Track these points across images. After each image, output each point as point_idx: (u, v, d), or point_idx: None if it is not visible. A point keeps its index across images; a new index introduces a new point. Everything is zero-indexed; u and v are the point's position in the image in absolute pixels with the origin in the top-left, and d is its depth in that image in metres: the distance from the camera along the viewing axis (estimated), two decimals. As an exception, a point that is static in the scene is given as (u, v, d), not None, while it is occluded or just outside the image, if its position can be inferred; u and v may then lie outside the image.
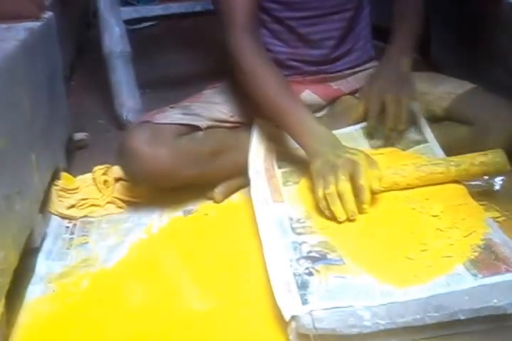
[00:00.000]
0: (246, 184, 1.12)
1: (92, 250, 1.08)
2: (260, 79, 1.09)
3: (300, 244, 0.93)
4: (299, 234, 0.95)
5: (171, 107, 1.18)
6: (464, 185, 1.06)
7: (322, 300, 0.81)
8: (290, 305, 0.81)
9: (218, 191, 1.18)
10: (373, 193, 0.96)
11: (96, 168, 1.23)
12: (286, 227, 0.97)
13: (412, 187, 1.04)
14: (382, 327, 0.79)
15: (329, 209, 0.95)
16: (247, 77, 1.11)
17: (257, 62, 1.11)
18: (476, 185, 1.16)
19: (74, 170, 1.36)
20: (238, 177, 1.18)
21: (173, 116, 1.14)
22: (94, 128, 1.63)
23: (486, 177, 1.17)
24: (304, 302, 0.81)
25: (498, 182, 1.19)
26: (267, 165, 1.14)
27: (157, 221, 1.15)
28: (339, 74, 1.29)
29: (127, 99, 1.55)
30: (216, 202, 1.19)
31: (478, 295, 0.82)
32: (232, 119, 1.20)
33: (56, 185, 1.20)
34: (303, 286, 0.84)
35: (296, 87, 1.23)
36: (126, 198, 1.20)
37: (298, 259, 0.90)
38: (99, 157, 1.38)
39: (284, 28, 1.23)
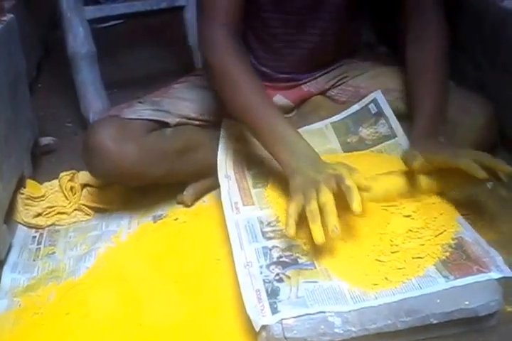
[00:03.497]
0: (216, 185, 1.09)
1: (59, 260, 1.06)
2: (230, 80, 1.00)
3: (270, 249, 0.91)
4: (270, 238, 0.93)
5: (140, 102, 1.14)
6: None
7: (292, 307, 0.80)
8: (260, 314, 0.80)
9: (188, 193, 1.16)
10: (364, 191, 0.88)
11: (62, 174, 1.20)
12: (256, 232, 0.95)
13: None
14: (354, 335, 0.79)
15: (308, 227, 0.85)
16: (216, 76, 1.04)
17: (230, 61, 1.02)
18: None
19: (40, 176, 1.33)
20: (208, 177, 1.15)
21: (141, 111, 1.11)
22: (62, 132, 1.59)
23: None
24: (274, 311, 0.80)
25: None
26: (236, 167, 1.11)
27: (126, 228, 1.12)
28: (311, 78, 1.26)
29: (94, 100, 1.52)
30: (186, 205, 1.16)
31: (450, 298, 0.81)
32: (201, 117, 1.18)
33: (21, 193, 1.17)
34: (273, 294, 0.83)
35: (267, 92, 1.19)
36: (93, 205, 1.18)
37: (268, 265, 0.88)
38: (67, 162, 1.36)
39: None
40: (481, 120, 1.10)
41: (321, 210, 0.83)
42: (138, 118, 1.08)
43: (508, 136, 1.22)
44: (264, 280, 0.85)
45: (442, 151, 0.94)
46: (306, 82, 1.26)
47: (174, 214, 1.15)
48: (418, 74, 1.11)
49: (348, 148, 1.18)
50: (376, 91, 1.20)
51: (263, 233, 0.95)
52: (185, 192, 1.16)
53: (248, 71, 1.02)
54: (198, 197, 1.18)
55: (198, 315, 0.89)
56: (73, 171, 1.22)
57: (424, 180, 0.97)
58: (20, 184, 1.20)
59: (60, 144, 1.50)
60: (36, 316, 0.92)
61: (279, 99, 1.25)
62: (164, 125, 1.11)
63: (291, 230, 0.83)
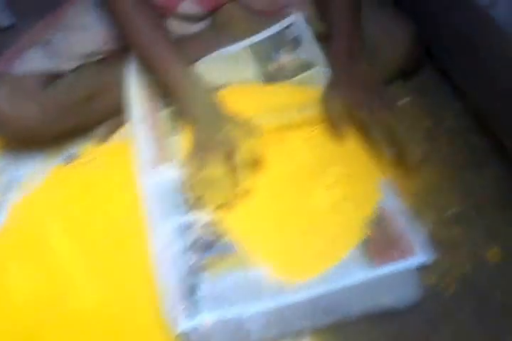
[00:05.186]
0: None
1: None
2: (132, 26, 0.94)
3: (188, 227, 0.87)
4: (188, 210, 0.88)
5: (30, 46, 1.00)
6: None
7: (212, 309, 0.79)
8: (178, 318, 0.78)
9: (100, 132, 1.08)
10: (258, 162, 0.89)
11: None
12: (173, 201, 0.89)
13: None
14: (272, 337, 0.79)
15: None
16: (119, 21, 0.96)
17: (130, 6, 0.93)
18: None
19: None
20: (121, 114, 1.05)
21: (33, 60, 0.98)
22: None
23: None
24: (192, 314, 0.78)
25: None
26: (149, 105, 1.01)
27: (38, 171, 1.05)
28: None
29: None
30: (100, 141, 1.08)
31: (369, 293, 0.82)
32: (105, 48, 1.03)
33: None
34: (192, 291, 0.81)
35: None
36: (-1, 144, 1.07)
37: (186, 249, 0.85)
38: None
39: None
40: (404, 44, 1.04)
41: (215, 181, 0.85)
42: (30, 72, 0.96)
43: (434, 53, 1.16)
44: (182, 272, 0.83)
45: (361, 109, 0.90)
46: None
47: (87, 153, 1.07)
48: None
49: (267, 77, 1.07)
50: (297, 13, 1.08)
51: (181, 202, 0.90)
52: (97, 130, 1.07)
53: (149, 12, 0.95)
54: (112, 132, 1.09)
55: (114, 298, 0.88)
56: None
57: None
58: None
59: None
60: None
61: (189, 4, 1.08)
62: (62, 72, 0.99)
63: (191, 196, 0.86)
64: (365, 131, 0.90)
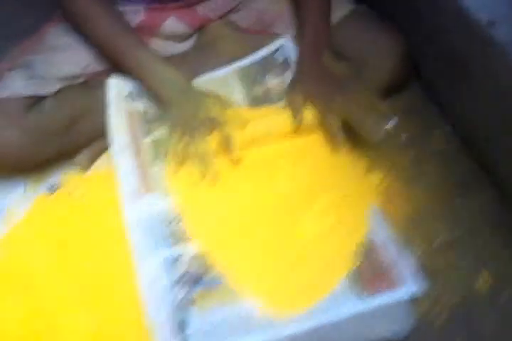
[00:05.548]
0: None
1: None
2: (92, 21, 0.96)
3: (176, 260, 0.85)
4: (174, 243, 0.87)
5: (9, 70, 0.97)
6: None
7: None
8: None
9: (81, 160, 1.05)
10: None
11: None
12: (158, 234, 0.88)
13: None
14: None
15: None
16: (78, 21, 0.98)
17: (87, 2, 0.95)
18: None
19: None
20: (102, 138, 1.03)
21: (13, 84, 0.95)
22: None
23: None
24: (184, 353, 0.77)
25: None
26: (131, 133, 0.99)
27: (21, 202, 1.02)
28: None
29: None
30: (81, 169, 1.06)
31: (362, 324, 0.80)
32: (87, 71, 1.01)
33: None
34: (181, 328, 0.79)
35: (159, 15, 1.05)
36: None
37: (174, 284, 0.83)
38: None
39: None
40: (391, 60, 1.03)
41: (200, 157, 0.88)
42: (11, 97, 0.93)
43: (422, 73, 1.15)
44: (171, 307, 0.81)
45: (318, 100, 0.92)
46: (200, 2, 1.08)
47: (69, 183, 1.04)
48: None
49: (253, 100, 1.06)
50: (286, 37, 1.07)
51: (166, 235, 0.88)
52: (78, 158, 1.05)
53: (106, 8, 0.97)
54: (93, 159, 1.07)
55: (106, 330, 0.86)
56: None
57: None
58: None
59: None
60: None
61: (173, 23, 1.07)
62: (43, 96, 0.96)
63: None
64: (320, 122, 0.92)
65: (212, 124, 0.89)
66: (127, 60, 0.95)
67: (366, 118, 0.87)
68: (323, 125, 0.92)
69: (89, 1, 0.95)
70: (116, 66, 0.97)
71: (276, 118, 0.94)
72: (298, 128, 0.92)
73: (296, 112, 0.91)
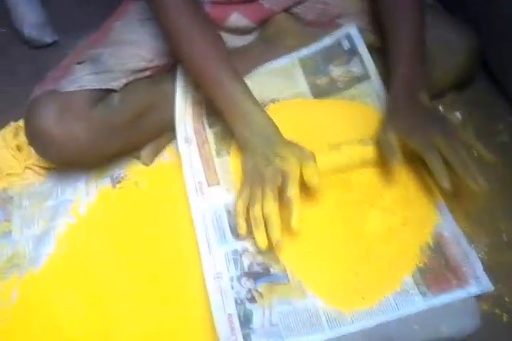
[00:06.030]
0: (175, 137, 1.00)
1: (17, 242, 0.99)
2: (185, 40, 0.89)
3: (241, 254, 0.86)
4: (239, 236, 0.86)
5: (78, 63, 0.97)
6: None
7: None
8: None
9: (145, 153, 1.05)
10: (314, 189, 0.83)
11: (4, 131, 1.08)
12: (224, 227, 0.88)
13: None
14: (328, 370, 0.77)
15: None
16: (170, 35, 0.92)
17: (183, 19, 0.90)
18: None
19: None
20: (166, 133, 1.05)
21: (81, 78, 0.94)
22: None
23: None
24: (248, 346, 0.77)
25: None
26: (197, 124, 1.00)
27: (84, 194, 1.04)
28: None
29: (26, 12, 1.30)
30: (145, 164, 1.06)
31: (427, 322, 0.80)
32: (152, 64, 1.01)
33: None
34: (246, 321, 0.80)
35: (224, 9, 1.05)
36: (44, 164, 1.07)
37: (239, 277, 0.84)
38: (6, 87, 1.23)
39: None
40: (463, 55, 1.00)
41: (265, 220, 0.80)
42: (79, 91, 0.92)
43: (489, 64, 1.11)
44: (236, 300, 0.81)
45: (415, 136, 0.82)
46: None
47: (133, 174, 1.05)
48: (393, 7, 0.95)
49: (318, 91, 1.04)
50: (351, 25, 1.05)
51: (232, 229, 0.88)
52: (142, 152, 1.05)
53: (204, 28, 0.91)
54: (157, 153, 1.07)
55: (167, 326, 0.87)
56: (18, 124, 1.09)
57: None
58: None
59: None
60: (1, 324, 0.89)
61: (238, 18, 1.06)
62: (110, 90, 0.96)
63: (243, 230, 0.82)
64: (421, 160, 0.82)
65: (282, 179, 0.81)
66: (217, 89, 0.89)
67: (469, 164, 0.78)
68: (425, 162, 0.81)
69: (184, 18, 0.90)
70: (203, 88, 0.94)
71: (360, 150, 0.90)
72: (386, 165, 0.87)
73: (391, 152, 0.82)
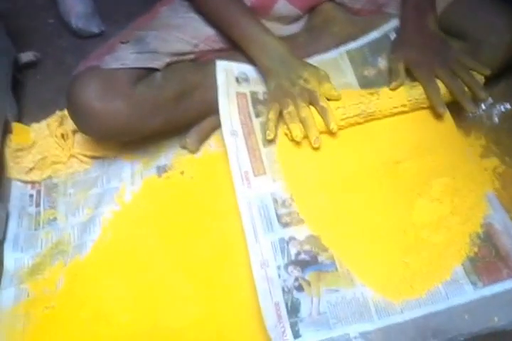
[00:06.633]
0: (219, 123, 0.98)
1: (62, 229, 1.00)
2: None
3: (288, 242, 0.85)
4: (286, 224, 0.86)
5: (122, 42, 0.97)
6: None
7: (315, 330, 0.77)
8: (281, 338, 0.76)
9: (191, 140, 1.06)
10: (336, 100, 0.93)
11: (50, 120, 1.08)
12: (271, 216, 0.87)
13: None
14: (378, 360, 0.76)
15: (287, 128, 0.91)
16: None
17: None
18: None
19: (26, 98, 1.22)
20: (209, 116, 1.04)
21: (125, 56, 0.95)
22: (43, 32, 1.40)
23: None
24: (296, 334, 0.76)
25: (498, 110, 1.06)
26: (242, 115, 0.98)
27: (129, 183, 1.04)
28: None
29: (74, 3, 1.31)
30: (191, 151, 1.06)
31: (478, 312, 0.78)
32: (196, 49, 1.02)
33: (9, 147, 1.06)
34: (293, 310, 0.79)
35: None
36: (89, 153, 1.07)
37: (286, 265, 0.82)
38: (53, 76, 1.25)
39: None
40: (508, 38, 0.98)
41: (302, 123, 0.89)
42: (122, 68, 0.93)
43: None
44: (283, 289, 0.80)
45: (421, 68, 0.94)
46: None
47: (179, 164, 1.05)
48: None
49: (365, 82, 1.04)
50: (398, 19, 1.04)
51: (278, 217, 0.87)
52: (187, 139, 1.05)
53: None
54: (202, 140, 1.07)
55: (214, 313, 0.87)
56: (62, 113, 1.09)
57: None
58: (7, 130, 1.08)
59: (43, 53, 1.33)
60: (47, 311, 0.89)
61: (283, 4, 1.06)
62: (153, 69, 0.96)
63: (272, 133, 0.90)
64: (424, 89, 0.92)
65: (309, 96, 0.90)
66: (234, 28, 0.97)
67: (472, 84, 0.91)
68: (426, 93, 0.92)
69: None
70: (225, 34, 1.00)
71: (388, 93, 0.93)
72: (394, 91, 0.94)
73: (396, 76, 0.93)
